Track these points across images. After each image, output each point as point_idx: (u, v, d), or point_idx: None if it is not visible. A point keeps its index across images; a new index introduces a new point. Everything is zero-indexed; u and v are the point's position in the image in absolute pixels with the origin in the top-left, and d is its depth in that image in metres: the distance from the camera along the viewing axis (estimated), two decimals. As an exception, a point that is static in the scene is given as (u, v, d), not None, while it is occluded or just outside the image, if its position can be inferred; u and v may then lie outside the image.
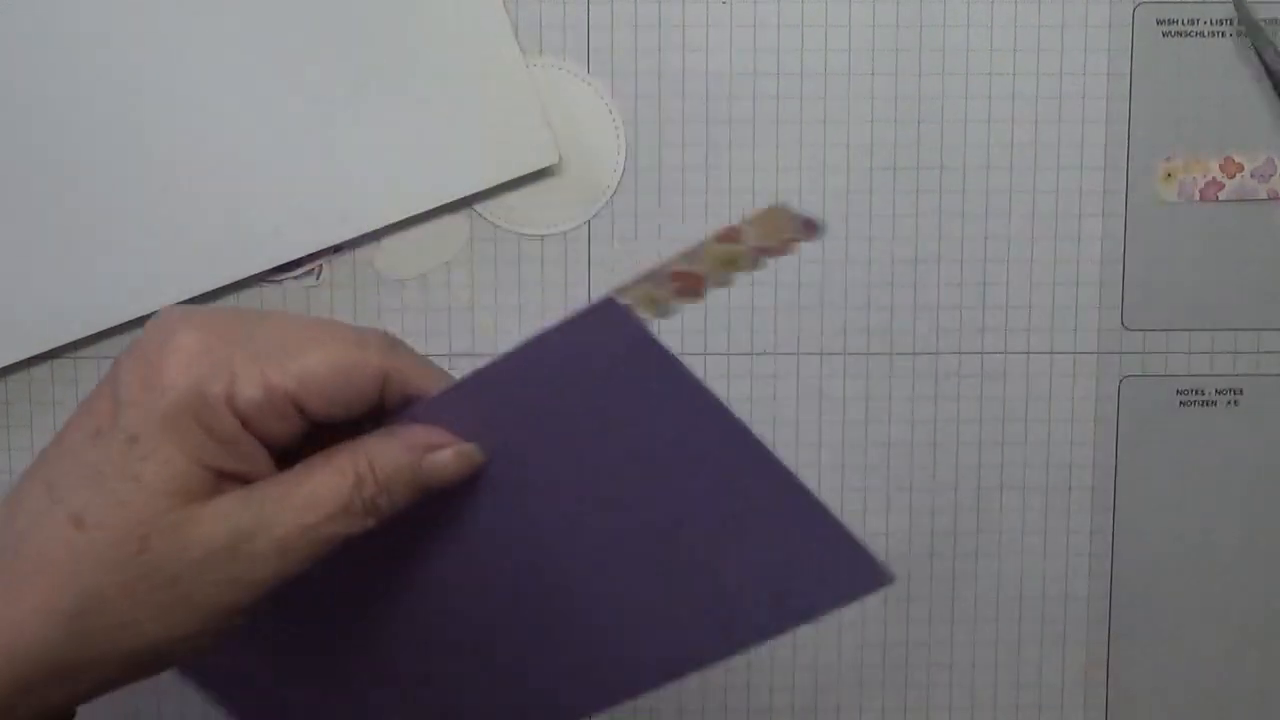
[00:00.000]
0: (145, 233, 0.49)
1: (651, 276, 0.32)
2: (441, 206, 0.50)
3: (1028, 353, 0.52)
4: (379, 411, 0.33)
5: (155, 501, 0.30)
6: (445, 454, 0.33)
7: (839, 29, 0.50)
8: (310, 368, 0.31)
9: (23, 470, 0.33)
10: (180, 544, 0.30)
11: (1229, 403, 0.52)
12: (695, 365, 0.51)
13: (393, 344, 0.33)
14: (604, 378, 0.32)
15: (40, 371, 0.51)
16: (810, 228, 0.32)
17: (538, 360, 0.33)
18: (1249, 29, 0.38)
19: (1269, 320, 0.52)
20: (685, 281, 0.32)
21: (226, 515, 0.31)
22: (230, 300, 0.50)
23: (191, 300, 0.50)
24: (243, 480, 0.31)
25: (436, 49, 0.49)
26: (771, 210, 0.32)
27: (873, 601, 0.52)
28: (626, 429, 0.33)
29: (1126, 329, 0.52)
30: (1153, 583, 0.53)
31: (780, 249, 0.32)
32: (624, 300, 0.31)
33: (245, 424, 0.31)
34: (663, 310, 0.32)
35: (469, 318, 0.51)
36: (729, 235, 0.32)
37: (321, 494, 0.32)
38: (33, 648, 0.29)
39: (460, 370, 0.51)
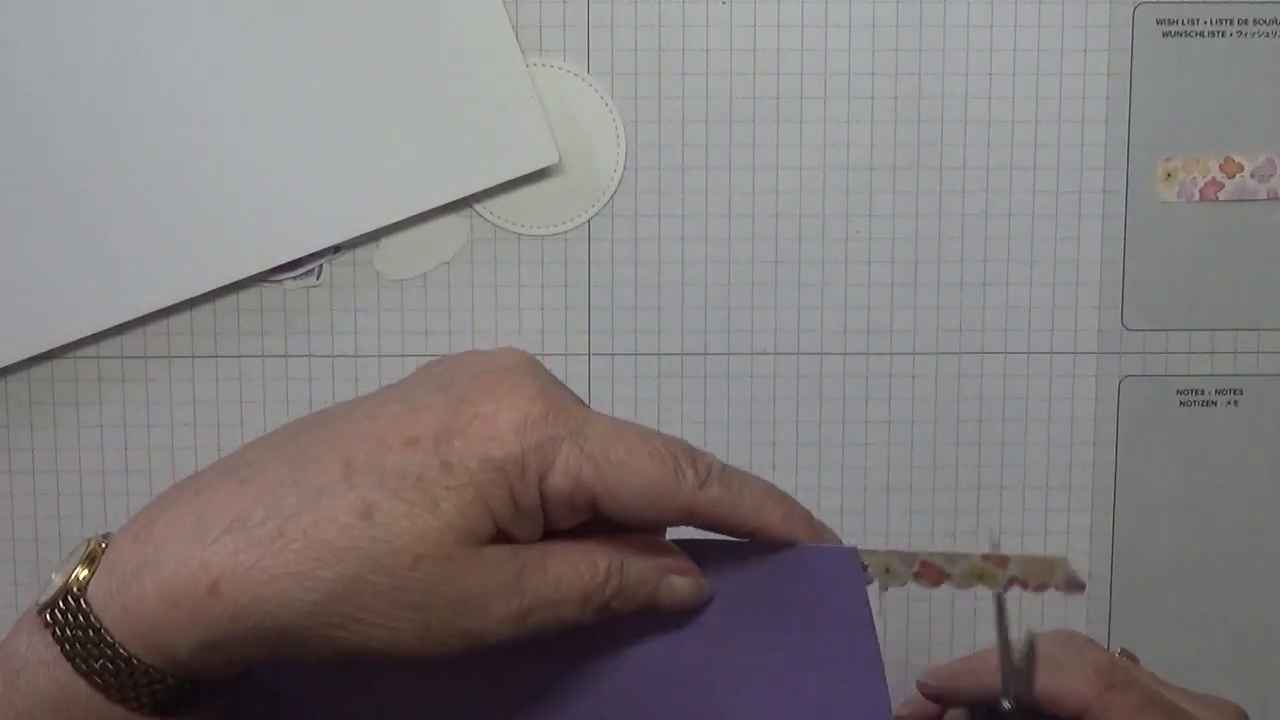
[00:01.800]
0: (145, 232, 0.49)
1: (902, 554, 0.35)
2: (441, 206, 0.50)
3: (1028, 353, 0.52)
4: None
5: (442, 532, 0.31)
6: (685, 580, 0.35)
7: (839, 29, 0.50)
8: (624, 481, 0.32)
9: (316, 414, 0.33)
10: (444, 578, 0.31)
11: (1229, 403, 0.52)
12: (694, 365, 0.51)
13: (707, 479, 0.34)
14: (803, 606, 0.35)
15: (40, 371, 0.51)
16: (1073, 586, 0.34)
17: (763, 562, 0.35)
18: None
19: (1269, 320, 0.52)
20: (930, 573, 0.35)
21: (492, 569, 0.32)
22: (230, 300, 0.50)
23: (191, 300, 0.50)
24: (510, 540, 0.32)
25: (436, 49, 0.49)
26: (1050, 560, 0.35)
27: (873, 602, 0.52)
28: (795, 656, 0.35)
29: (1126, 329, 0.52)
30: (1153, 583, 0.53)
31: (1034, 589, 0.35)
32: (864, 560, 0.34)
33: (543, 503, 0.32)
34: (893, 581, 0.35)
35: (469, 318, 0.51)
36: (997, 560, 0.34)
37: (570, 578, 0.33)
38: (276, 607, 0.30)
39: (460, 370, 0.51)
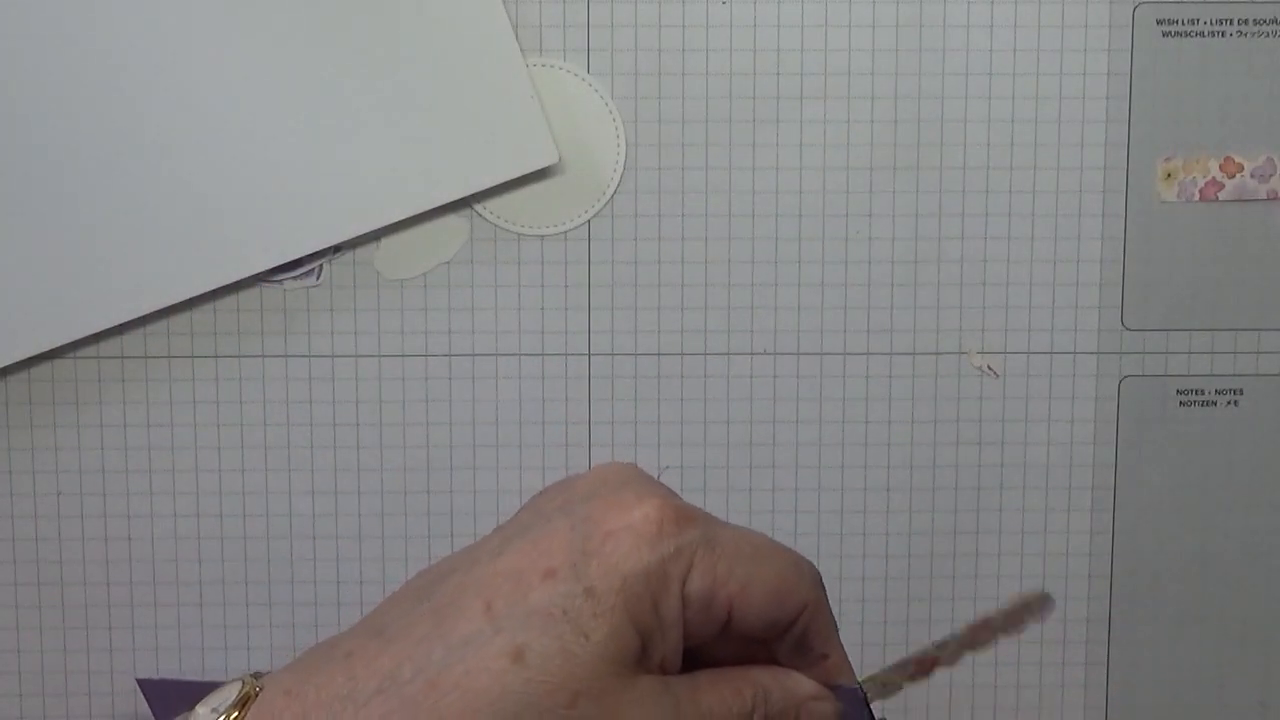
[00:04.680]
0: (145, 232, 0.49)
1: (895, 666, 0.36)
2: (441, 206, 0.50)
3: (1028, 353, 0.52)
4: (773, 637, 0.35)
5: (597, 664, 0.30)
6: (824, 705, 0.35)
7: (839, 29, 0.50)
8: (756, 577, 0.32)
9: (440, 564, 0.33)
10: (602, 712, 0.30)
11: (1229, 403, 0.52)
12: (695, 365, 0.51)
13: (818, 580, 0.34)
14: None
15: (40, 371, 0.51)
16: (1049, 606, 0.35)
17: None
18: None
19: (1269, 320, 0.52)
20: (921, 665, 0.36)
21: (648, 700, 0.31)
22: (230, 300, 0.50)
23: (191, 300, 0.50)
24: (652, 665, 0.32)
25: (436, 49, 0.49)
26: (1025, 597, 0.36)
27: (872, 601, 0.52)
28: None
29: (1126, 329, 0.52)
30: (1153, 583, 0.53)
31: (1016, 633, 0.36)
32: (866, 688, 0.35)
33: (682, 611, 0.32)
34: (889, 691, 0.36)
35: (469, 318, 0.51)
36: (980, 624, 0.36)
37: (720, 710, 0.32)
38: None
39: (460, 368, 0.51)
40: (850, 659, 0.35)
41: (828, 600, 0.34)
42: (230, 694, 0.31)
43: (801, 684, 0.34)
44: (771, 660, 0.34)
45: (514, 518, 0.34)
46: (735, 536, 0.32)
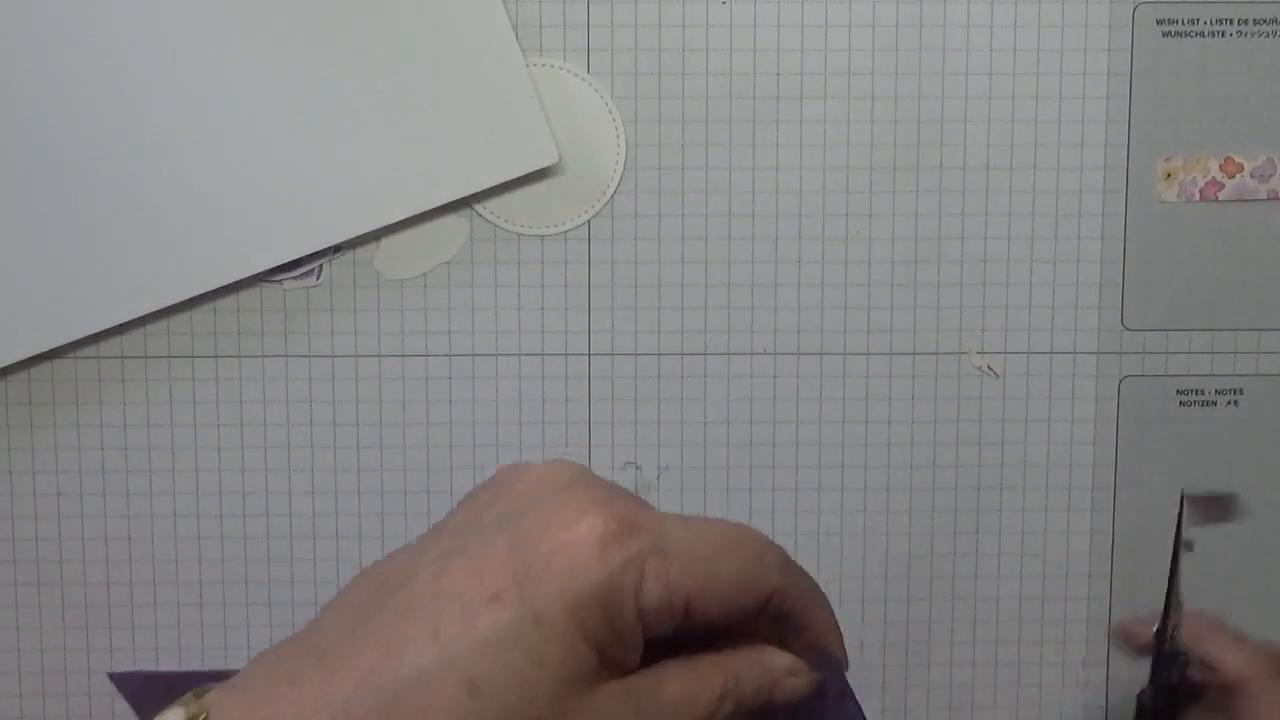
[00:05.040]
0: (145, 232, 0.49)
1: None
2: (441, 206, 0.50)
3: (1028, 353, 0.52)
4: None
5: (555, 686, 0.30)
6: (798, 680, 0.34)
7: (839, 29, 0.50)
8: (714, 575, 0.31)
9: (377, 573, 0.32)
10: None
11: (1229, 403, 0.52)
12: (695, 365, 0.51)
13: (785, 562, 0.33)
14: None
15: (40, 371, 0.51)
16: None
17: None
18: None
19: (1269, 320, 0.52)
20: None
21: (610, 710, 0.31)
22: (230, 300, 0.50)
23: (191, 300, 0.50)
24: (615, 667, 0.31)
25: (436, 48, 0.49)
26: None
27: (872, 601, 0.52)
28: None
29: (1126, 329, 0.52)
30: (1153, 582, 0.53)
31: None
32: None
33: (640, 617, 0.31)
34: None
35: (469, 318, 0.51)
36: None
37: (687, 706, 0.32)
38: None
39: (460, 368, 0.51)
40: (846, 647, 0.35)
41: (801, 574, 0.34)
42: (175, 717, 0.30)
43: (776, 659, 0.34)
44: (752, 631, 0.34)
45: (450, 518, 0.33)
46: (689, 537, 0.31)
